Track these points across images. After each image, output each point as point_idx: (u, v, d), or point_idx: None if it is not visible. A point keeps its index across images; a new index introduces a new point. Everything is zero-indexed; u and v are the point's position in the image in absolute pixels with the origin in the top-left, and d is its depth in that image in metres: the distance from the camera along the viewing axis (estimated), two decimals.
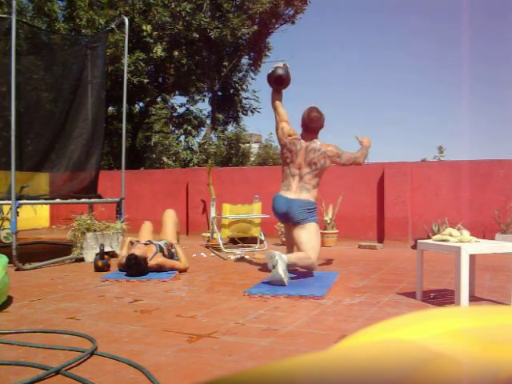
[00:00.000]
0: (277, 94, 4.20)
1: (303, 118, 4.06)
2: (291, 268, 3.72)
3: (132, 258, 3.89)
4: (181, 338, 2.27)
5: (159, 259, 4.08)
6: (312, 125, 4.03)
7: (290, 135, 4.08)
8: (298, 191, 3.94)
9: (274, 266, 3.46)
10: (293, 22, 13.28)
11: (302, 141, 4.01)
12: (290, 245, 4.15)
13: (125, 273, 3.98)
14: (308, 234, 3.84)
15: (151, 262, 4.02)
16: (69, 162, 5.39)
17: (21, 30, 5.13)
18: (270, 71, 4.13)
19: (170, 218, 4.82)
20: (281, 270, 3.41)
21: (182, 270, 4.20)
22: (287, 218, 4.00)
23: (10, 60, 4.39)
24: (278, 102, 4.19)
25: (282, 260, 3.46)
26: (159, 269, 4.06)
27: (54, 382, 1.75)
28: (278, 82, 4.13)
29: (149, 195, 7.76)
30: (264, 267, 4.46)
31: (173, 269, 4.13)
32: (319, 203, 5.47)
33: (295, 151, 3.99)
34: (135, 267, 3.89)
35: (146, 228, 4.67)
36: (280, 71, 4.08)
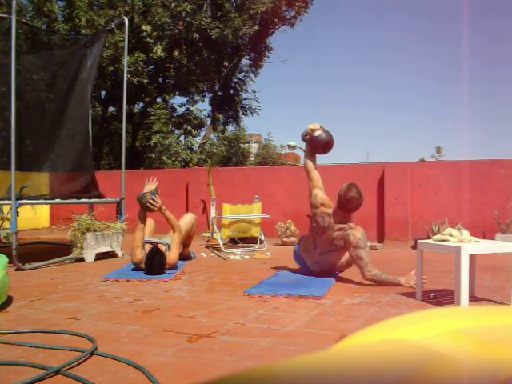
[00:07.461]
0: (312, 156, 3.97)
1: (340, 196, 3.74)
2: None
3: (155, 258, 3.94)
4: (181, 338, 2.27)
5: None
6: (349, 206, 3.73)
7: (322, 204, 3.83)
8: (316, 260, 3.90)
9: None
10: (292, 25, 13.26)
11: (332, 218, 3.77)
12: None
13: (134, 271, 4.10)
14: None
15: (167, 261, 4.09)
16: (69, 161, 5.38)
17: (20, 30, 5.13)
18: (315, 135, 3.86)
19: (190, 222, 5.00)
20: None
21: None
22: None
23: (9, 60, 4.39)
24: (311, 165, 3.95)
25: None
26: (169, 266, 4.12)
27: (53, 382, 1.75)
28: (326, 149, 3.94)
29: None
30: (264, 267, 4.45)
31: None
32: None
33: (321, 227, 3.79)
34: (157, 265, 3.94)
35: (150, 226, 4.71)
36: (324, 136, 3.86)
